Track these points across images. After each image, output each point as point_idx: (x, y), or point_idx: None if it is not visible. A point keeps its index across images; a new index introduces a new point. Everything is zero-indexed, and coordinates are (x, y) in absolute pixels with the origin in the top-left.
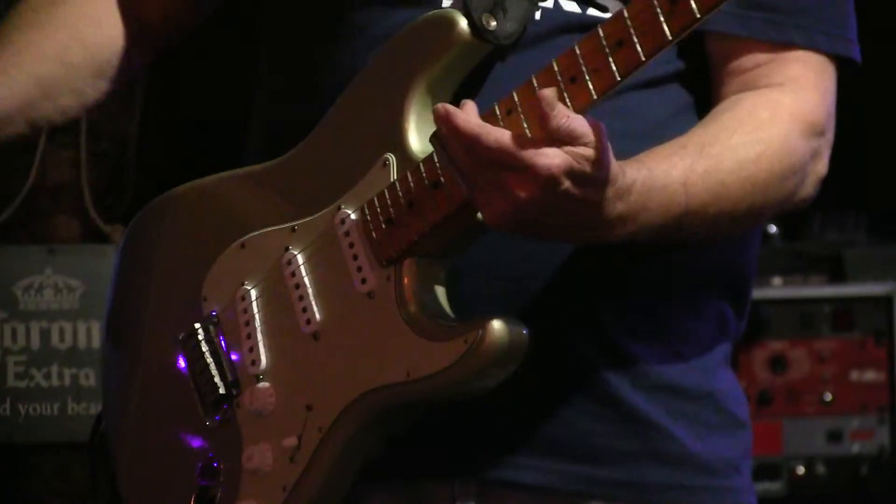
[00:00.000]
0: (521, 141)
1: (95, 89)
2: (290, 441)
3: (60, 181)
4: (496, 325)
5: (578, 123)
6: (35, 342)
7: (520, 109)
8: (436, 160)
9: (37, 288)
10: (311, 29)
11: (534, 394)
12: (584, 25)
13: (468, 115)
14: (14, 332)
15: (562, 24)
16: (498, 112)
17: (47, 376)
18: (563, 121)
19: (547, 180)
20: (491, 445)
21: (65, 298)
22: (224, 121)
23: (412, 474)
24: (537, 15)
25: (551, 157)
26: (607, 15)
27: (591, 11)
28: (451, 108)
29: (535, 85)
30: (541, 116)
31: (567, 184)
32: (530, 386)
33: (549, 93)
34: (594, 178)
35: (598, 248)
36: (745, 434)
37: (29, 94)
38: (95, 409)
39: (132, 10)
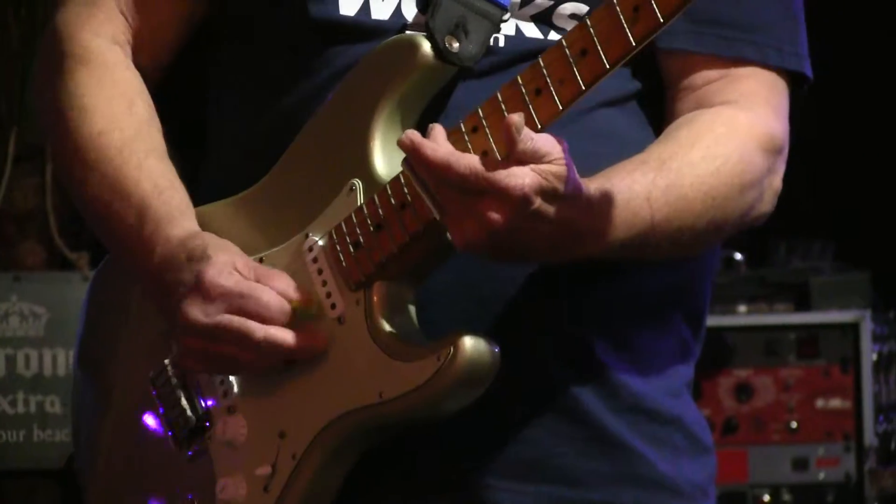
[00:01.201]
0: (491, 165)
1: None
2: (264, 470)
3: (26, 208)
4: (468, 340)
5: (543, 142)
6: (0, 369)
7: (485, 125)
8: (402, 182)
9: (2, 315)
10: (276, 64)
11: (508, 416)
12: (542, 51)
13: (436, 142)
14: None
15: (525, 49)
16: (463, 129)
17: (13, 403)
18: (529, 143)
19: (519, 200)
20: (468, 469)
21: (30, 325)
22: (184, 148)
23: (388, 499)
24: (501, 42)
25: (521, 177)
26: None
27: (553, 36)
28: (417, 138)
29: (501, 99)
30: (508, 141)
31: (538, 202)
32: (505, 408)
33: (516, 118)
34: (562, 194)
35: (567, 271)
36: (710, 459)
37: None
38: (61, 435)
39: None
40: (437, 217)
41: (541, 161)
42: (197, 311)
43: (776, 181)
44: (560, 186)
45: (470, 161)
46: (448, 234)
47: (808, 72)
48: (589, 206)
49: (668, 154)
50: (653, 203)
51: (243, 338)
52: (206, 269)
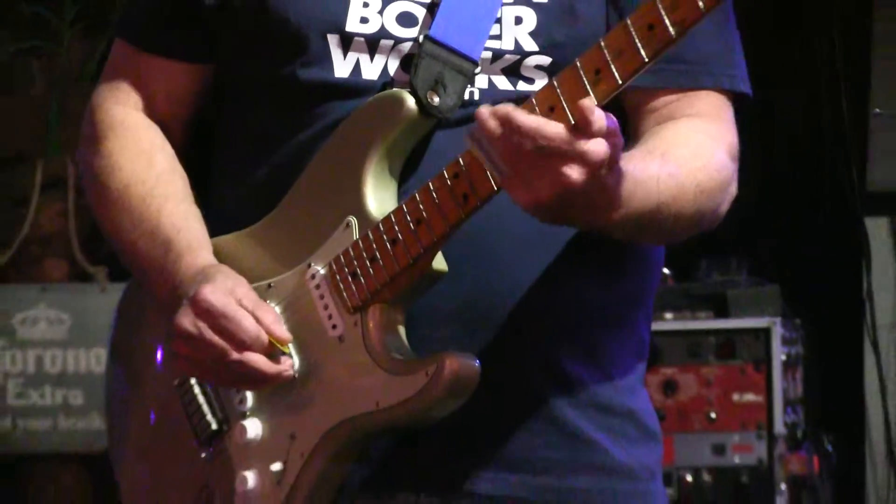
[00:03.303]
0: (572, 132)
1: None
2: (277, 466)
3: (51, 230)
4: (451, 358)
5: (611, 121)
6: (31, 367)
7: (462, 166)
8: (392, 220)
9: (32, 321)
10: (277, 117)
11: (486, 417)
12: (517, 100)
13: (518, 110)
14: (13, 358)
15: (497, 100)
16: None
17: (41, 396)
18: (603, 121)
19: (598, 164)
20: (450, 462)
21: (56, 330)
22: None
23: (384, 490)
24: (476, 95)
25: (600, 146)
26: (536, 87)
27: (522, 85)
28: (507, 108)
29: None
30: (583, 121)
31: (604, 170)
32: (483, 410)
33: (588, 101)
34: (617, 167)
35: (544, 285)
36: (658, 446)
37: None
38: (83, 424)
39: (155, 118)
40: (500, 180)
41: (608, 137)
42: (186, 321)
43: (734, 188)
44: (619, 158)
45: (557, 127)
46: (513, 196)
47: (750, 91)
48: (623, 178)
49: (666, 149)
50: (660, 186)
51: (221, 354)
52: (203, 287)
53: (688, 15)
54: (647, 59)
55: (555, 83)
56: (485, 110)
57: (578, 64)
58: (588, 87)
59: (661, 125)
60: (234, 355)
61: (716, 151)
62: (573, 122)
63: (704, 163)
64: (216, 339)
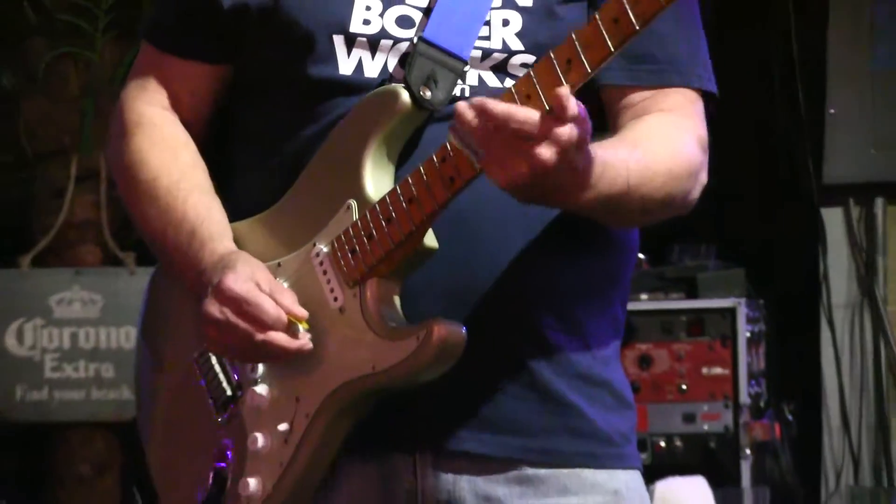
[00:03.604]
0: (544, 116)
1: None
2: (284, 426)
3: (85, 218)
4: (440, 325)
5: (581, 108)
6: (66, 343)
7: (449, 151)
8: (387, 201)
9: (67, 301)
10: (287, 113)
11: (476, 383)
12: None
13: (489, 100)
14: (50, 336)
15: (486, 95)
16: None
17: (76, 369)
18: (576, 106)
19: (568, 145)
20: (443, 425)
21: (89, 309)
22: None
23: (382, 450)
24: (467, 91)
25: (570, 129)
26: None
27: (508, 82)
28: (482, 99)
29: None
30: (559, 106)
31: (573, 151)
32: (472, 377)
33: (564, 89)
34: (586, 149)
35: (528, 262)
36: (632, 413)
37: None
38: (113, 395)
39: (178, 115)
40: (477, 163)
41: (578, 123)
42: (213, 309)
43: (704, 177)
44: (587, 141)
45: (529, 111)
46: (490, 178)
47: (716, 90)
48: (592, 161)
49: (636, 138)
50: (630, 170)
51: (247, 336)
52: (226, 276)
53: (648, 8)
54: (612, 50)
55: (531, 73)
56: (462, 103)
57: (552, 55)
58: (561, 75)
59: (638, 119)
60: (259, 336)
61: (686, 141)
62: (548, 109)
63: (674, 151)
64: (242, 323)
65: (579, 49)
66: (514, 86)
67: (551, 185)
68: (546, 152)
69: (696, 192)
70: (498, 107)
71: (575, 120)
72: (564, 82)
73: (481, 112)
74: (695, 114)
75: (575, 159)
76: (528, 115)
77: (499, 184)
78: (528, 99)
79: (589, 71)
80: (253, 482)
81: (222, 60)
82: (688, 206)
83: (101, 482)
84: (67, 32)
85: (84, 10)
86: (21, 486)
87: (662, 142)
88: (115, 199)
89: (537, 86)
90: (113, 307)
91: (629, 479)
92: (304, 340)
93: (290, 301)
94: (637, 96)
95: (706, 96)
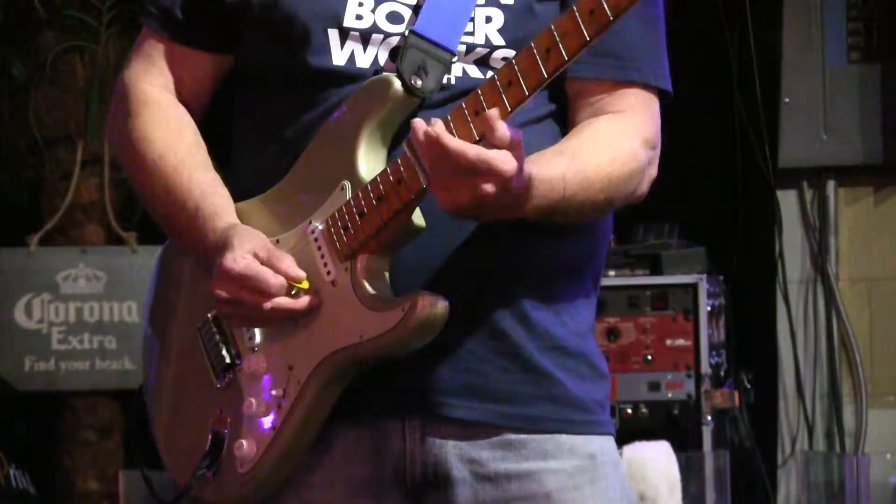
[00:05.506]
0: (489, 152)
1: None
2: (278, 392)
3: (90, 200)
4: (424, 297)
5: (512, 132)
6: (72, 317)
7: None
8: (378, 181)
9: (73, 278)
10: (284, 101)
11: (462, 353)
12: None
13: (446, 133)
14: (57, 310)
15: (469, 86)
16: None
17: (80, 342)
18: (506, 132)
19: (510, 179)
20: (431, 392)
21: (94, 285)
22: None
23: (373, 416)
24: (452, 81)
25: (510, 163)
26: None
27: (490, 75)
28: (437, 130)
29: (450, 119)
30: (488, 129)
31: (512, 180)
32: (459, 347)
33: (494, 112)
34: (522, 176)
35: (506, 243)
36: (606, 383)
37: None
38: (116, 365)
39: (179, 99)
40: (426, 184)
41: (510, 146)
42: (219, 288)
43: (653, 171)
44: (523, 168)
45: (478, 150)
46: (436, 200)
47: (671, 89)
48: (529, 181)
49: (577, 146)
50: (566, 182)
51: (255, 306)
52: (225, 257)
53: (622, 1)
54: (588, 39)
55: (514, 62)
56: (419, 124)
57: (533, 44)
58: (540, 63)
59: (587, 121)
60: (267, 305)
61: (629, 145)
62: (476, 136)
63: (613, 156)
64: (247, 296)
65: (557, 38)
66: (496, 73)
67: (491, 208)
68: (490, 186)
69: (642, 188)
70: (452, 143)
71: (510, 147)
72: (543, 69)
73: (436, 143)
74: (647, 113)
75: (511, 186)
76: (478, 153)
77: (441, 204)
78: (509, 86)
79: (566, 58)
80: (246, 444)
81: (224, 51)
82: (635, 200)
83: (105, 446)
84: (74, 27)
85: (90, 6)
86: (30, 451)
87: (604, 148)
88: (117, 181)
89: (518, 74)
90: (116, 283)
91: (603, 444)
92: (307, 298)
93: (288, 264)
94: (597, 93)
95: (662, 94)
